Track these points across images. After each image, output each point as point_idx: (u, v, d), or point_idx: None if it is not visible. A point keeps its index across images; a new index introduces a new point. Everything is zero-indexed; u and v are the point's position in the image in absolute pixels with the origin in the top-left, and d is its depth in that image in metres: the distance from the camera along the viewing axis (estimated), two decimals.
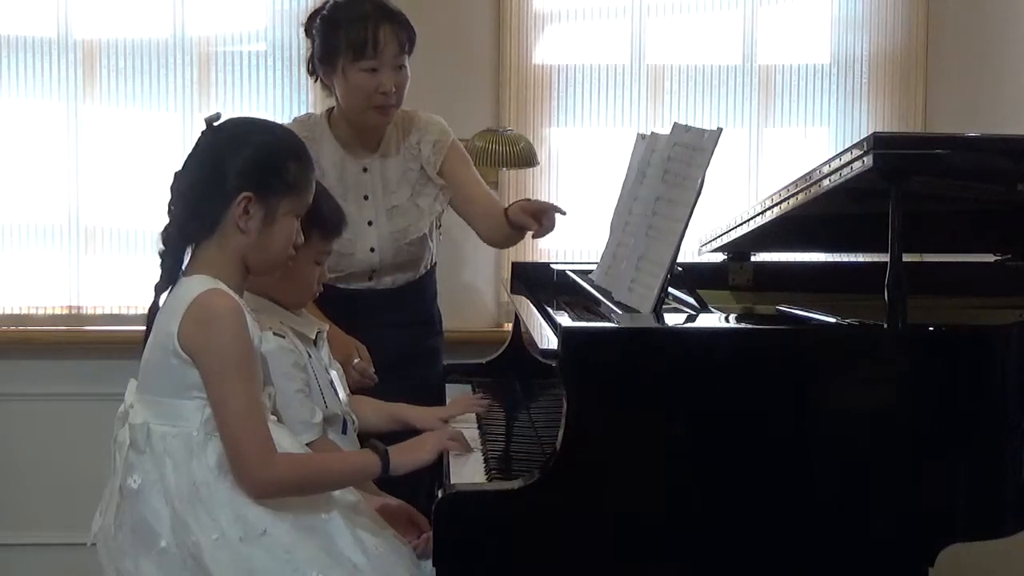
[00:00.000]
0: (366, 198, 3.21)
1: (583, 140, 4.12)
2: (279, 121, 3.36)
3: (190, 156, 2.30)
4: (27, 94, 3.97)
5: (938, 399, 2.35)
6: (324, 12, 3.13)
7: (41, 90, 3.97)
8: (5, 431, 4.02)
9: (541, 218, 3.06)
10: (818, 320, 2.52)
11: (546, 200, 3.34)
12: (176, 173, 2.30)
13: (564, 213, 3.07)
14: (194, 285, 2.23)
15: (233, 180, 2.23)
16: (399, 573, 2.31)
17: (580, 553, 2.28)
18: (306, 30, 3.19)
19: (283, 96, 4.02)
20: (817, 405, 2.34)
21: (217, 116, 2.32)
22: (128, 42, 3.98)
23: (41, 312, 4.01)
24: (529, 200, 3.20)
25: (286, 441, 2.28)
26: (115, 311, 4.01)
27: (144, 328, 2.31)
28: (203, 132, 2.30)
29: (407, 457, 2.40)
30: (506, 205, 3.21)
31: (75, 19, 3.96)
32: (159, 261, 2.30)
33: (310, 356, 2.55)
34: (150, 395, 2.25)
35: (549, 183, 4.10)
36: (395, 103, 3.11)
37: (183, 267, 2.29)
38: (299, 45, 3.98)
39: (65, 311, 4.02)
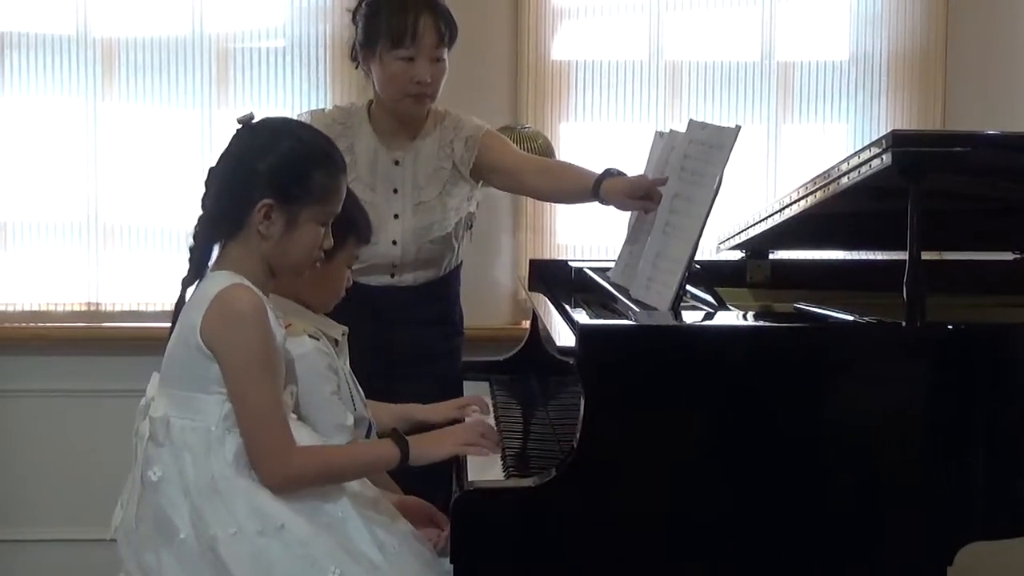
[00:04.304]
0: (395, 191, 3.22)
1: (600, 136, 4.11)
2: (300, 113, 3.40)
3: (223, 155, 2.32)
4: (46, 91, 3.98)
5: (957, 397, 2.35)
6: None
7: (60, 87, 3.98)
8: (23, 427, 4.03)
9: (652, 196, 2.82)
10: (836, 318, 2.52)
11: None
12: (210, 169, 2.32)
13: (666, 181, 2.77)
14: (219, 280, 2.24)
15: (257, 186, 2.24)
16: (417, 572, 2.32)
17: (597, 551, 2.28)
18: (352, 16, 3.23)
19: (302, 93, 4.01)
20: (835, 404, 2.34)
21: (251, 116, 2.32)
22: (147, 39, 3.98)
23: (60, 309, 4.02)
24: (625, 178, 2.94)
25: (307, 439, 2.29)
26: (133, 308, 4.01)
27: (169, 323, 2.32)
28: (237, 132, 2.31)
29: (427, 447, 2.39)
30: (596, 173, 3.03)
31: (94, 17, 3.96)
32: (188, 255, 2.31)
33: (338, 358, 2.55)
34: (171, 388, 2.26)
35: None
36: (430, 93, 3.15)
37: (211, 262, 2.30)
38: (318, 42, 3.98)
39: (83, 308, 4.02)
